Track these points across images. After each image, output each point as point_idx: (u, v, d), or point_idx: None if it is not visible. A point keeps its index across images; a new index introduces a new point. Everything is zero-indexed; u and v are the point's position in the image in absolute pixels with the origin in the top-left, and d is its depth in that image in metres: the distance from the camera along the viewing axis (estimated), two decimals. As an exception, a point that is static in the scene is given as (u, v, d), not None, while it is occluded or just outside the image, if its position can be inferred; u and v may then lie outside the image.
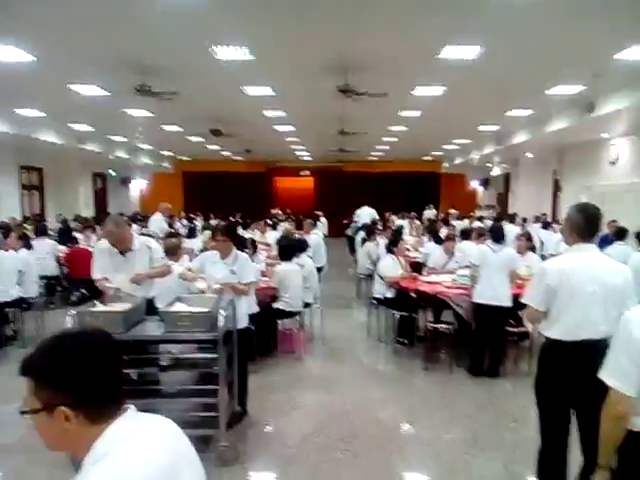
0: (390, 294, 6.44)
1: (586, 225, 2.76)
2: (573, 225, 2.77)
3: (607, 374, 1.87)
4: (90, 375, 1.17)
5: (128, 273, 4.20)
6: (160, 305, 4.11)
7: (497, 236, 5.55)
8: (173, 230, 9.41)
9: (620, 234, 7.36)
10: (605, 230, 9.25)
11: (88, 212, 16.58)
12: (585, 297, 2.65)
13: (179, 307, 3.73)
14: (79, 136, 13.84)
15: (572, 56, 6.73)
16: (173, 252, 5.47)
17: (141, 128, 13.34)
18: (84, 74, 7.73)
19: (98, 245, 4.60)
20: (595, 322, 2.64)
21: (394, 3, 4.98)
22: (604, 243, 8.23)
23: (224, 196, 21.61)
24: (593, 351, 2.54)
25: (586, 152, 12.80)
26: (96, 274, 4.28)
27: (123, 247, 4.27)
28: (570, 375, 2.67)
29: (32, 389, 1.16)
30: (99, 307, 3.72)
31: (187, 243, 8.31)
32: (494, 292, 5.29)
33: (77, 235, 10.03)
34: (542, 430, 2.86)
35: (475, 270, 5.46)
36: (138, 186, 22.88)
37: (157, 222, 10.81)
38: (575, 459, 2.79)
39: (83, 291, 8.96)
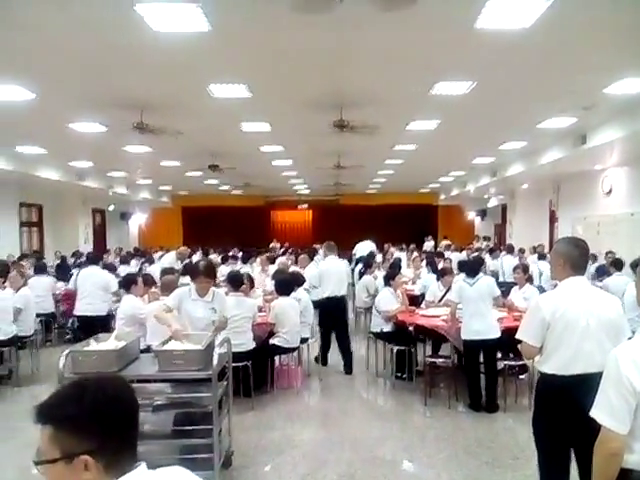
0: (388, 328, 6.39)
1: (579, 258, 2.78)
2: (567, 259, 2.78)
3: (598, 412, 1.85)
4: (113, 423, 1.16)
5: None
6: (155, 342, 4.08)
7: (471, 270, 5.56)
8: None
9: (617, 265, 7.44)
10: (601, 261, 9.29)
11: (87, 248, 16.56)
12: (579, 330, 2.64)
13: (173, 345, 3.70)
14: (79, 172, 13.95)
15: (562, 90, 6.86)
16: (169, 288, 5.45)
17: (140, 164, 13.47)
18: (84, 111, 7.84)
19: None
20: (590, 355, 2.63)
21: (386, 41, 5.11)
22: (601, 274, 8.26)
23: (223, 230, 21.68)
24: (589, 386, 2.50)
25: (581, 183, 12.91)
26: None
27: None
28: (567, 411, 2.63)
29: (51, 437, 1.13)
30: (93, 345, 3.69)
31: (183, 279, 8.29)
32: (479, 326, 5.25)
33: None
34: (541, 469, 2.80)
35: (454, 307, 5.48)
36: (137, 221, 22.96)
37: (170, 259, 10.99)
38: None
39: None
